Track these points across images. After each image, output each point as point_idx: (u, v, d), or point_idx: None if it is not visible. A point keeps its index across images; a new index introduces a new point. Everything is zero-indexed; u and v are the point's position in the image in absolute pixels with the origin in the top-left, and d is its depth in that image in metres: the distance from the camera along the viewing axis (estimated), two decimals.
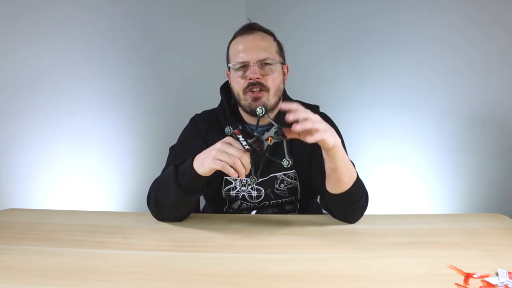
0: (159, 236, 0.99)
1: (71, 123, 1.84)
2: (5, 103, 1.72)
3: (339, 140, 0.95)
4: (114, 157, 1.95)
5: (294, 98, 1.24)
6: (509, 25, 1.67)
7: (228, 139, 0.92)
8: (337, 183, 0.99)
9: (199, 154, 0.96)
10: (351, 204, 1.03)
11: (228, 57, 1.15)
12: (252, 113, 1.11)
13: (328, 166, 0.99)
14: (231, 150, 0.89)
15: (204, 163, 0.93)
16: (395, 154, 1.91)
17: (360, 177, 1.06)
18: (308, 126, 0.87)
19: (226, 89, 1.21)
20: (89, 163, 1.90)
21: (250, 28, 1.12)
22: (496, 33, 1.69)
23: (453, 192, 1.90)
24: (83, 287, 0.78)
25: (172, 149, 1.18)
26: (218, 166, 0.90)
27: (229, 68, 1.15)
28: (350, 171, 1.00)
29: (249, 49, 1.08)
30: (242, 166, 0.89)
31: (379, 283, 0.80)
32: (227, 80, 1.22)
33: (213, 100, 1.25)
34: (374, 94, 1.93)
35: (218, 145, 0.92)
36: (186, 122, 1.23)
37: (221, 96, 1.21)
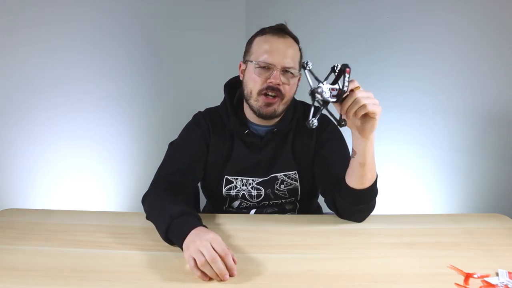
0: (159, 236, 0.99)
1: (71, 122, 1.84)
2: (5, 102, 1.72)
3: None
4: (114, 157, 1.95)
5: (297, 99, 1.24)
6: (509, 26, 1.67)
7: (215, 236, 0.84)
8: (361, 178, 1.00)
9: (193, 234, 0.86)
10: (365, 202, 1.04)
11: (250, 50, 1.12)
12: (260, 116, 1.10)
13: (357, 160, 0.99)
14: (208, 255, 0.79)
15: (186, 248, 0.84)
16: (395, 154, 1.91)
17: None
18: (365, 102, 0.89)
19: (230, 86, 1.20)
20: (89, 163, 1.90)
21: (282, 31, 1.10)
22: (497, 34, 1.69)
23: (453, 192, 1.90)
24: (83, 287, 0.78)
25: (171, 145, 1.18)
26: (189, 264, 0.82)
27: (245, 61, 1.13)
28: (374, 169, 1.01)
29: (277, 53, 1.06)
30: (211, 271, 0.80)
31: (379, 283, 0.80)
32: (231, 78, 1.20)
33: (214, 100, 1.24)
34: (374, 94, 1.93)
35: (200, 243, 0.82)
36: (186, 121, 1.22)
37: (225, 94, 1.19)
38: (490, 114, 1.78)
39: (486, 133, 1.80)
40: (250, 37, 1.16)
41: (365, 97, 0.89)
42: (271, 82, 1.05)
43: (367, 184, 1.00)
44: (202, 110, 1.23)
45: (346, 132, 1.20)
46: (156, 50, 1.94)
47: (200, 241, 0.82)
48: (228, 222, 1.08)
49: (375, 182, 1.02)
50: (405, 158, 1.92)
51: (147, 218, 1.03)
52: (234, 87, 1.19)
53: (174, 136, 1.21)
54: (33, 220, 1.08)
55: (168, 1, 1.90)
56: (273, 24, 1.13)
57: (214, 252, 0.80)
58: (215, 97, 1.24)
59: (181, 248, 0.87)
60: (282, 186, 1.17)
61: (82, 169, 1.88)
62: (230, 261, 0.81)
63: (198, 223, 0.91)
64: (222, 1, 1.96)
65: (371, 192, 1.02)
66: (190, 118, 1.22)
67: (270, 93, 1.07)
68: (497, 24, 1.68)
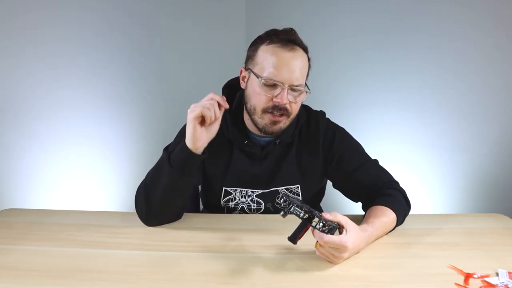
0: (158, 236, 0.99)
1: (72, 123, 1.84)
2: (5, 103, 1.72)
3: (357, 252, 0.90)
4: (114, 157, 1.95)
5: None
6: (509, 27, 1.67)
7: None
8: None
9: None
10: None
11: (255, 59, 1.02)
12: (266, 133, 1.05)
13: None
14: (206, 103, 0.95)
15: (187, 128, 0.96)
16: (395, 154, 1.91)
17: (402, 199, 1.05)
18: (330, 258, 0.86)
19: (229, 88, 1.13)
20: (89, 163, 1.90)
21: (293, 43, 1.00)
22: (497, 34, 1.69)
23: (453, 192, 1.90)
24: (83, 287, 0.78)
25: (166, 150, 1.11)
26: (194, 114, 0.94)
27: (248, 68, 1.05)
28: (382, 234, 0.97)
29: (286, 69, 0.97)
30: (215, 109, 0.95)
31: (379, 283, 0.80)
32: (230, 80, 1.15)
33: None
34: (374, 94, 1.93)
35: (195, 104, 0.96)
36: (186, 122, 1.20)
37: None
38: (490, 114, 1.78)
39: (486, 133, 1.80)
40: (255, 36, 1.07)
41: (322, 250, 0.85)
42: (277, 102, 0.99)
43: (384, 234, 0.99)
44: None
45: (353, 131, 1.21)
46: (156, 50, 1.94)
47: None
48: (228, 222, 1.08)
49: (392, 228, 0.99)
50: (405, 158, 1.92)
51: (147, 194, 1.01)
52: (233, 89, 1.13)
53: (174, 136, 1.20)
54: (33, 220, 1.08)
55: (167, 1, 1.90)
56: (274, 24, 1.07)
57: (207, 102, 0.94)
58: None
59: (187, 149, 0.96)
60: (283, 200, 1.14)
61: (82, 169, 1.89)
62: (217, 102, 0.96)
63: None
64: (222, 1, 1.96)
65: (396, 226, 1.01)
66: None
67: (276, 113, 1.00)
68: (497, 23, 1.68)
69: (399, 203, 1.02)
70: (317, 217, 0.83)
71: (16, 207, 1.21)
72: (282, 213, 0.84)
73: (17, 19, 1.66)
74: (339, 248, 0.82)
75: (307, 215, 0.83)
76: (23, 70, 1.72)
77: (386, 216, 0.97)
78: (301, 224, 0.84)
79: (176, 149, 0.99)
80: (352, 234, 0.84)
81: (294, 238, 0.84)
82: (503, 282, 0.79)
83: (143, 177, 1.11)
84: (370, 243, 0.93)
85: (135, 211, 1.05)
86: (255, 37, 1.08)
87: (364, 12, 1.87)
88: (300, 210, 0.83)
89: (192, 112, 0.94)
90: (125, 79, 1.91)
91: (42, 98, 1.77)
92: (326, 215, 0.83)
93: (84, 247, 0.93)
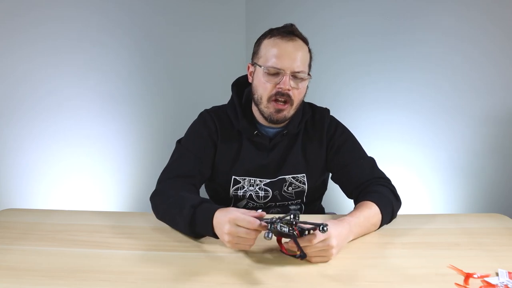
0: (159, 236, 0.99)
1: (72, 122, 1.84)
2: (5, 102, 1.72)
3: (345, 241, 0.92)
4: (114, 157, 1.95)
5: (305, 101, 1.22)
6: (509, 27, 1.67)
7: (235, 216, 0.84)
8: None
9: (219, 217, 0.89)
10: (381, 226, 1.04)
11: (259, 53, 1.10)
12: (271, 121, 1.11)
13: None
14: (242, 233, 0.83)
15: (221, 237, 0.89)
16: (395, 154, 1.91)
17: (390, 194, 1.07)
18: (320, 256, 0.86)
19: (237, 86, 1.19)
20: (89, 163, 1.90)
21: (292, 34, 1.07)
22: (498, 34, 1.69)
23: (453, 192, 1.90)
24: (83, 287, 0.78)
25: (179, 144, 1.17)
26: (234, 248, 0.89)
27: (253, 63, 1.11)
28: (370, 228, 1.00)
29: (286, 57, 1.04)
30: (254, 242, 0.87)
31: (379, 283, 0.80)
32: (239, 77, 1.20)
33: (214, 99, 1.24)
34: (374, 94, 1.93)
35: (228, 227, 0.84)
36: (187, 122, 1.21)
37: (232, 93, 1.18)
38: (491, 114, 1.78)
39: (486, 133, 1.80)
40: (255, 36, 1.14)
41: (314, 253, 0.85)
42: (280, 88, 1.05)
43: (372, 227, 1.01)
44: (203, 110, 1.21)
45: (353, 130, 1.22)
46: (157, 50, 1.94)
47: (226, 235, 0.85)
48: None
49: (381, 222, 1.01)
50: (405, 158, 1.92)
51: (161, 215, 1.03)
52: (242, 85, 1.19)
53: (174, 136, 1.21)
54: (33, 220, 1.08)
55: (168, 2, 1.90)
56: (274, 24, 1.12)
57: (246, 237, 0.83)
58: (216, 97, 1.23)
59: (210, 235, 0.91)
60: (290, 188, 1.17)
61: (82, 169, 1.88)
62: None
63: (217, 206, 0.93)
64: (222, 1, 1.97)
65: (380, 226, 1.03)
66: (190, 118, 1.22)
67: (279, 99, 1.06)
68: (499, 24, 1.69)
69: (386, 199, 1.04)
70: (291, 219, 0.80)
71: (16, 207, 1.21)
72: (265, 234, 0.79)
73: (17, 18, 1.66)
74: (326, 240, 0.83)
75: (288, 227, 0.81)
76: (22, 70, 1.72)
77: (369, 208, 1.00)
78: (294, 238, 0.82)
79: (202, 218, 0.92)
80: (331, 226, 0.84)
81: (303, 254, 0.82)
82: (503, 282, 0.79)
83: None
84: (355, 234, 0.95)
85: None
86: (255, 38, 1.14)
87: (364, 12, 1.87)
88: (284, 226, 0.80)
89: (232, 245, 0.87)
90: (126, 79, 1.91)
91: (42, 98, 1.77)
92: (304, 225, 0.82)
93: (84, 247, 0.93)
